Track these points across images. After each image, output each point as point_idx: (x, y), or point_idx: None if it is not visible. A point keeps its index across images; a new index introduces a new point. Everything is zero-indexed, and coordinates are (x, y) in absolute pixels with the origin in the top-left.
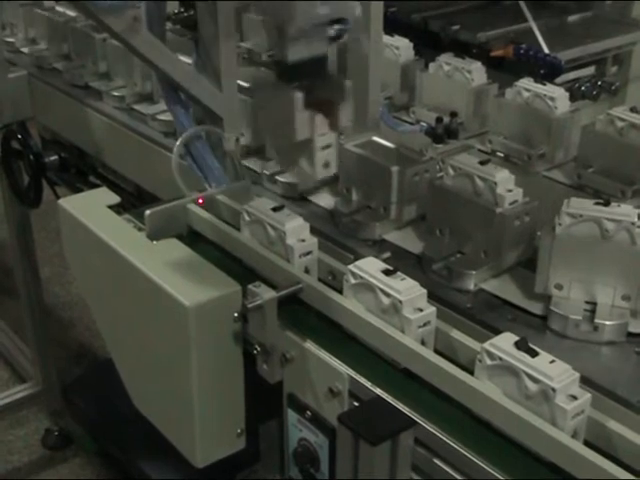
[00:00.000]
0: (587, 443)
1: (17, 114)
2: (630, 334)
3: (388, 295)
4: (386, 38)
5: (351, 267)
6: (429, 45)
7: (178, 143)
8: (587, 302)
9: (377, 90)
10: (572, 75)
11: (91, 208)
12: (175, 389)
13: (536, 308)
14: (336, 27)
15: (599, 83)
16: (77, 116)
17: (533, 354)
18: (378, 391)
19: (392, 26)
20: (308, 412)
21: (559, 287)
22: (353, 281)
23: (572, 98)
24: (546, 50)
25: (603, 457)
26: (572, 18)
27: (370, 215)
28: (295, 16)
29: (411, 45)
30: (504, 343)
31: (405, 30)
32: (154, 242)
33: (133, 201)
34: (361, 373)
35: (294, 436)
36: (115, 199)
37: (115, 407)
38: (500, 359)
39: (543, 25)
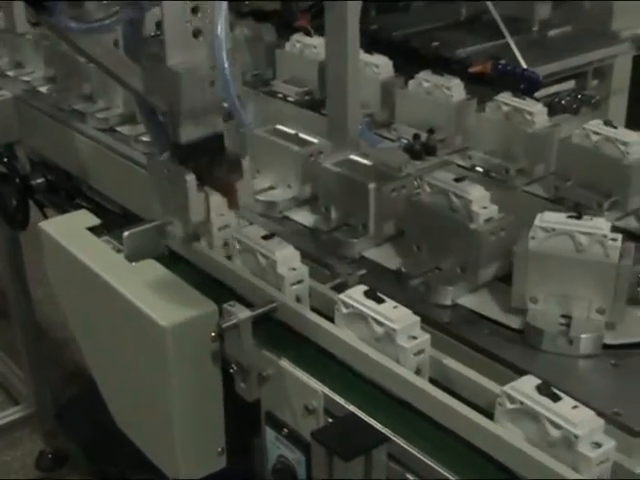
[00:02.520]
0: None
1: (3, 137)
2: (606, 346)
3: (266, 257)
4: (365, 56)
5: (235, 234)
6: (410, 62)
7: None
8: (563, 315)
9: (356, 108)
10: (553, 89)
11: (72, 230)
12: (155, 409)
13: (513, 322)
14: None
15: (579, 97)
16: (62, 138)
17: (380, 301)
18: (352, 408)
19: (373, 44)
20: (285, 429)
21: (534, 301)
22: (238, 247)
23: (553, 112)
24: (524, 65)
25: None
26: (552, 32)
27: (349, 232)
28: (181, 100)
29: (390, 63)
30: (356, 294)
31: (386, 47)
32: (133, 263)
33: (119, 222)
34: (335, 390)
35: (273, 453)
36: (95, 221)
37: (109, 426)
38: (352, 307)
39: (523, 40)
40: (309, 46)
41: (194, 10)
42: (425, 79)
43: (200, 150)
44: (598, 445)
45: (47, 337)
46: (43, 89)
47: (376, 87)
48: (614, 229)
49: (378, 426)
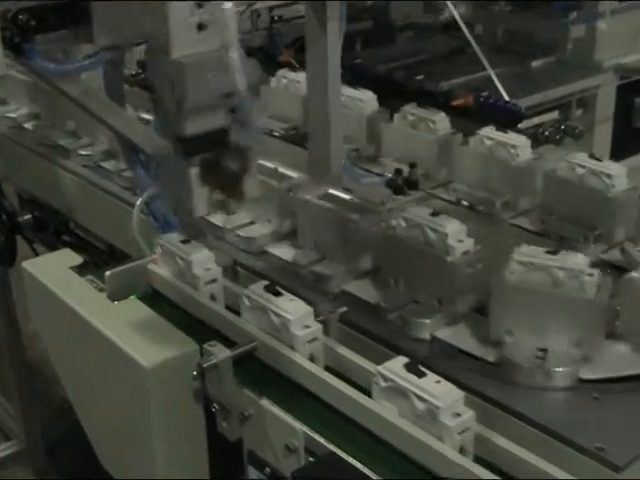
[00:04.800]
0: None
1: None
2: (588, 380)
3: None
4: (351, 91)
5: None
6: (395, 95)
7: (138, 203)
8: (539, 349)
9: (338, 143)
10: (536, 120)
11: (54, 270)
12: (138, 447)
13: (490, 355)
14: (230, 100)
15: (562, 127)
16: (47, 175)
17: (277, 294)
18: (332, 447)
19: (357, 77)
20: (267, 468)
21: (511, 334)
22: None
23: (536, 143)
24: (506, 97)
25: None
26: (536, 64)
27: (328, 266)
28: (187, 93)
29: (375, 97)
30: (257, 289)
31: (370, 81)
32: (115, 302)
33: (105, 259)
34: (316, 429)
35: None
36: (78, 260)
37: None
38: (257, 301)
39: (507, 72)
40: (294, 81)
41: (198, 4)
42: (410, 112)
43: (204, 143)
44: (458, 415)
45: (38, 373)
46: (28, 125)
47: (361, 121)
48: (600, 262)
49: (358, 465)
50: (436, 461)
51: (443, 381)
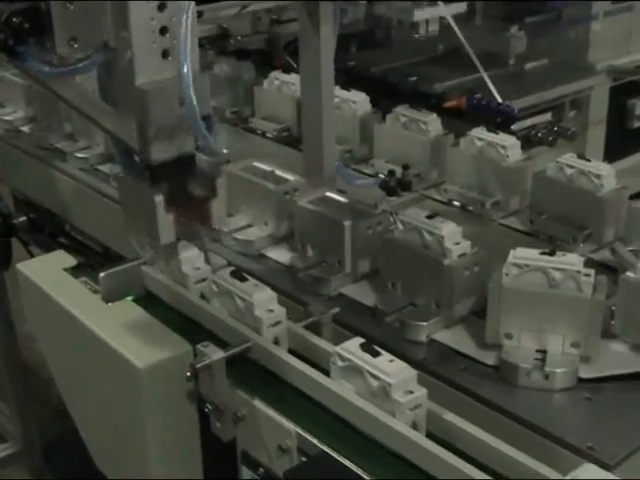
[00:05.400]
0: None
1: None
2: (580, 380)
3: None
4: (343, 93)
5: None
6: (389, 97)
7: None
8: (538, 350)
9: (331, 145)
10: (529, 122)
11: (48, 271)
12: (132, 448)
13: (488, 358)
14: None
15: (555, 129)
16: (43, 177)
17: (242, 280)
18: (324, 447)
19: (352, 79)
20: (261, 469)
21: (509, 336)
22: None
23: (529, 144)
24: (499, 99)
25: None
26: (529, 66)
27: (326, 270)
28: (149, 118)
29: (367, 98)
30: (224, 275)
31: (365, 83)
32: (109, 304)
33: (101, 261)
34: (308, 429)
35: None
36: (72, 262)
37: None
38: (223, 287)
39: (501, 74)
40: (287, 83)
41: (162, 31)
42: (402, 113)
43: (171, 170)
44: (410, 392)
45: (34, 374)
46: (25, 128)
47: (354, 123)
48: (589, 262)
49: (350, 465)
50: (388, 436)
51: (397, 360)
